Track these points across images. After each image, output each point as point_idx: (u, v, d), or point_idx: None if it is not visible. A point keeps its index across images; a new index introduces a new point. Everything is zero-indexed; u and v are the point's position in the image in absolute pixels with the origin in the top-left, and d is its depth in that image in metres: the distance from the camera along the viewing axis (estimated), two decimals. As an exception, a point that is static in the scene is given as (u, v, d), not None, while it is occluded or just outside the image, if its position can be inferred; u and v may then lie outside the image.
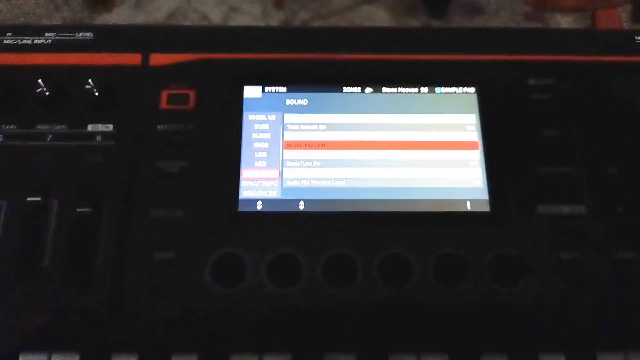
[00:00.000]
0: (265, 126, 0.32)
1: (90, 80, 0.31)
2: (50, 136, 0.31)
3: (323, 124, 0.32)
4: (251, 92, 0.33)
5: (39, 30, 0.33)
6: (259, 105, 0.33)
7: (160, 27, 0.40)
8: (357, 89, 0.33)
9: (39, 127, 0.31)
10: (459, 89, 0.33)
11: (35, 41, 0.33)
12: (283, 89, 0.33)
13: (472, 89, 0.33)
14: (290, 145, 0.32)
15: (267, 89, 0.33)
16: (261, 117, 0.32)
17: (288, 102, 0.33)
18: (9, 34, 0.33)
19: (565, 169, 0.31)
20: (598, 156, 0.31)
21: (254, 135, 0.32)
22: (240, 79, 0.33)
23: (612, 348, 0.28)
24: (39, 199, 0.29)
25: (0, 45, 0.33)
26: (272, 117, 0.32)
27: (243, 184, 0.31)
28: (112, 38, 0.34)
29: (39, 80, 0.31)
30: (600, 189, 0.30)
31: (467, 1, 1.46)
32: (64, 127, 0.31)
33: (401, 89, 0.33)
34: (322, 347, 0.29)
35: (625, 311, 0.28)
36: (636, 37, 0.34)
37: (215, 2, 1.50)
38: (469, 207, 0.31)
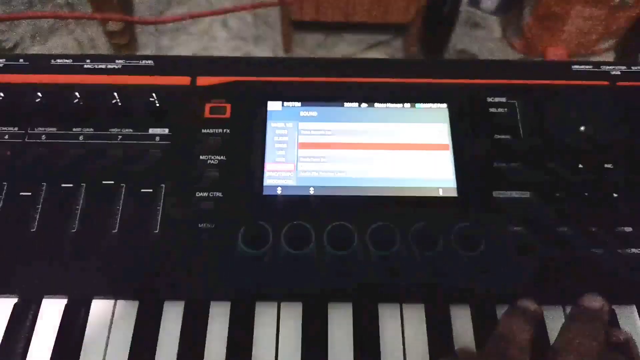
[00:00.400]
0: (284, 131, 0.42)
1: (153, 95, 0.40)
2: (120, 137, 0.41)
3: (329, 130, 0.42)
4: (273, 106, 0.43)
5: (111, 58, 0.44)
6: (279, 116, 0.42)
7: (204, 58, 0.50)
8: (356, 104, 0.43)
9: (111, 130, 0.41)
10: (434, 105, 0.43)
11: (109, 66, 0.43)
12: (298, 104, 0.43)
13: (444, 105, 0.43)
14: (303, 145, 0.41)
15: (285, 103, 0.43)
16: (281, 124, 0.42)
17: (302, 113, 0.42)
18: (87, 60, 0.43)
19: (515, 164, 0.40)
20: (540, 154, 0.40)
21: (275, 138, 0.41)
22: (265, 96, 0.43)
23: (549, 297, 0.36)
24: (112, 182, 0.39)
25: (81, 69, 0.43)
26: (290, 125, 0.42)
27: (267, 174, 0.40)
28: (168, 65, 0.44)
29: (115, 94, 0.40)
30: (541, 179, 0.39)
31: (460, 49, 1.59)
32: (130, 130, 0.41)
33: (389, 105, 0.43)
34: (326, 297, 0.37)
35: (561, 270, 0.37)
36: (572, 67, 0.44)
37: (231, 48, 1.64)
38: (441, 193, 0.40)
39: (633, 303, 0.37)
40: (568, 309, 0.36)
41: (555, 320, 0.36)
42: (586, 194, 0.39)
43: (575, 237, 0.37)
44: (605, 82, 0.43)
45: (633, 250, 0.37)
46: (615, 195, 0.39)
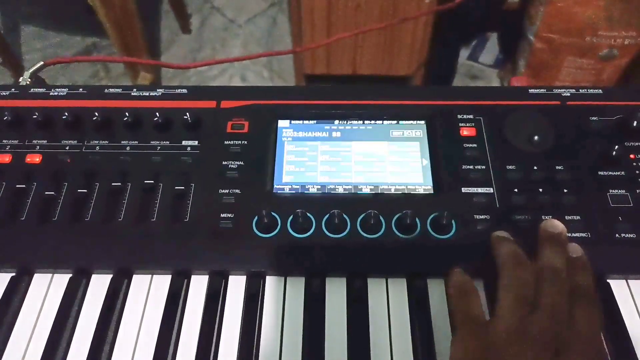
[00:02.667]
0: (292, 143, 0.51)
1: (186, 114, 0.50)
2: (159, 147, 0.50)
3: (326, 139, 0.51)
4: (283, 123, 0.52)
5: (153, 88, 0.54)
6: (287, 131, 0.52)
7: (227, 87, 0.60)
8: (350, 121, 0.52)
9: (152, 142, 0.51)
10: (414, 122, 0.52)
11: (151, 93, 0.54)
12: (303, 122, 0.52)
13: (422, 122, 0.52)
14: (307, 154, 0.50)
15: (293, 121, 0.52)
16: (289, 138, 0.51)
17: (306, 129, 0.52)
18: (134, 89, 0.54)
19: (480, 167, 0.48)
20: (500, 158, 0.49)
21: (285, 148, 0.51)
22: (276, 115, 0.53)
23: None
24: (152, 181, 0.48)
25: (129, 95, 0.54)
26: (296, 137, 0.51)
27: (276, 175, 0.49)
28: (198, 92, 0.54)
29: (156, 114, 0.50)
30: (502, 178, 0.48)
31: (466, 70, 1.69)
32: (167, 142, 0.50)
33: (377, 121, 0.52)
34: (324, 271, 0.45)
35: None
36: (529, 90, 0.53)
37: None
38: (420, 191, 0.48)
39: (582, 278, 0.44)
40: (527, 283, 0.44)
41: (516, 292, 0.43)
42: (540, 189, 0.47)
43: (531, 223, 0.45)
44: (557, 102, 0.52)
45: (580, 234, 0.45)
46: (565, 190, 0.47)
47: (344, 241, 0.45)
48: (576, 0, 1.37)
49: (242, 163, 0.49)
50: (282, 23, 2.08)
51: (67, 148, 0.50)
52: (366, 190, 0.48)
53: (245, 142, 0.50)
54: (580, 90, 0.53)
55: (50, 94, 0.54)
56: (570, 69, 1.56)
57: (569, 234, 0.44)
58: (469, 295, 0.40)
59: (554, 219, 0.43)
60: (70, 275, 0.45)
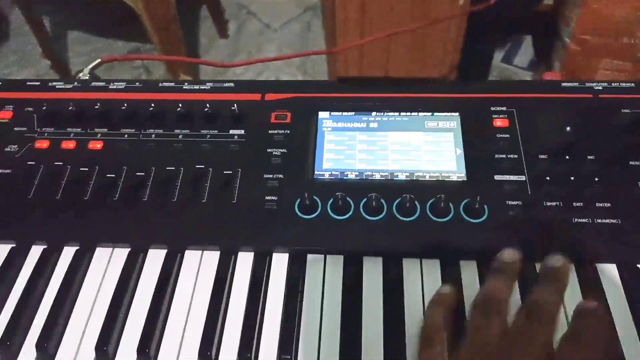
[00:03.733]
0: (331, 133, 0.54)
1: (234, 106, 0.54)
2: (209, 136, 0.54)
3: (364, 129, 0.54)
4: (323, 114, 0.55)
5: (203, 82, 0.58)
6: (327, 122, 0.55)
7: (271, 81, 0.64)
8: (388, 113, 0.55)
9: (202, 131, 0.55)
10: (448, 114, 0.54)
11: (202, 87, 0.58)
12: (342, 113, 0.55)
13: (456, 113, 0.54)
14: (346, 142, 0.53)
15: (332, 113, 0.56)
16: (328, 127, 0.55)
17: (345, 120, 0.55)
18: (186, 83, 0.58)
19: (512, 155, 0.50)
20: (533, 148, 0.50)
21: (324, 137, 0.54)
22: (317, 107, 0.56)
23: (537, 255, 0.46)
24: (203, 166, 0.52)
25: (181, 89, 0.58)
26: (335, 128, 0.54)
27: (317, 162, 0.52)
28: (244, 86, 0.58)
29: (207, 105, 0.54)
30: (534, 167, 0.50)
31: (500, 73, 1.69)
32: (216, 131, 0.54)
33: (413, 113, 0.55)
34: (362, 251, 0.48)
35: (546, 231, 0.46)
36: (562, 84, 0.55)
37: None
38: (454, 178, 0.50)
39: (613, 262, 0.46)
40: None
41: (546, 275, 0.45)
42: (572, 178, 0.49)
43: (562, 209, 0.47)
44: (589, 95, 0.54)
45: (611, 220, 0.46)
46: (596, 179, 0.48)
47: (381, 223, 0.48)
48: (612, 1, 1.37)
49: (285, 150, 0.53)
50: (316, 27, 2.12)
51: (126, 136, 0.55)
52: (402, 177, 0.51)
53: (288, 132, 0.54)
54: (613, 84, 0.54)
55: (110, 87, 0.59)
56: (606, 71, 1.55)
57: (600, 220, 0.46)
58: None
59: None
60: (129, 250, 0.49)
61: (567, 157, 0.50)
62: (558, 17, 1.54)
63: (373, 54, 1.57)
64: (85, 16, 2.16)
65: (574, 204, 0.47)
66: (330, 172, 0.52)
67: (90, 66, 0.65)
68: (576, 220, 0.47)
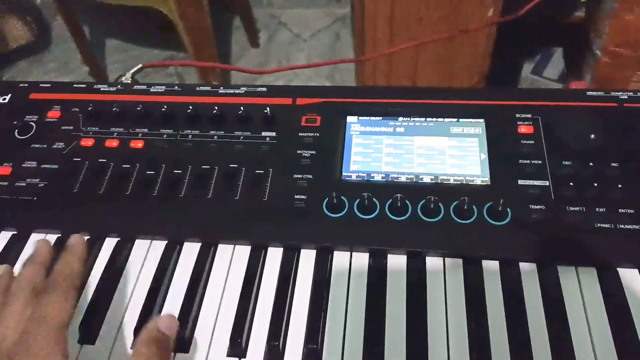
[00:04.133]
0: (359, 136, 0.56)
1: (267, 109, 0.57)
2: (242, 137, 0.57)
3: (390, 133, 0.56)
4: (351, 119, 0.58)
5: (237, 87, 0.61)
6: (355, 126, 0.57)
7: (302, 86, 0.66)
8: (415, 118, 0.57)
9: (236, 132, 0.57)
10: (474, 120, 0.56)
11: (236, 91, 0.61)
12: (369, 118, 0.58)
13: (481, 119, 0.56)
14: (373, 146, 0.55)
15: (360, 117, 0.58)
16: (356, 131, 0.57)
17: (372, 124, 0.57)
18: (221, 87, 0.62)
19: (536, 161, 0.51)
20: (557, 154, 0.52)
21: (352, 140, 0.56)
22: (345, 112, 0.58)
23: (560, 259, 0.47)
24: (236, 165, 0.55)
25: (217, 93, 0.61)
26: (363, 131, 0.57)
27: (344, 164, 0.54)
28: (276, 91, 0.61)
29: (241, 108, 0.57)
30: (559, 172, 0.51)
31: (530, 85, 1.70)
32: (249, 132, 0.57)
33: (439, 119, 0.56)
34: (386, 249, 0.49)
35: (568, 235, 0.47)
36: (587, 92, 0.56)
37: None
38: (478, 182, 0.52)
39: (636, 267, 0.46)
40: (579, 270, 0.47)
41: (568, 278, 0.46)
42: (595, 184, 0.49)
43: (585, 214, 0.48)
44: (614, 104, 0.55)
45: (634, 226, 0.47)
46: (619, 185, 0.49)
47: (405, 223, 0.50)
48: (645, 13, 1.35)
49: (314, 152, 0.55)
50: (345, 38, 2.16)
51: (165, 136, 0.58)
52: (426, 179, 0.53)
53: (317, 135, 0.56)
54: (638, 93, 0.55)
55: (151, 90, 0.62)
56: (638, 84, 1.53)
57: (622, 226, 0.47)
58: None
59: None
60: (166, 242, 0.52)
61: (591, 163, 0.51)
62: (589, 29, 1.53)
63: (401, 64, 1.59)
64: (123, 25, 2.24)
65: (597, 209, 0.48)
66: (357, 174, 0.54)
67: (132, 71, 0.69)
68: (599, 225, 0.47)
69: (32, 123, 0.61)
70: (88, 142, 0.58)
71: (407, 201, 0.50)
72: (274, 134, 0.57)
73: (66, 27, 1.91)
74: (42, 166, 0.57)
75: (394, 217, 0.50)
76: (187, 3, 1.55)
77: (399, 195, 0.50)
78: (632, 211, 0.48)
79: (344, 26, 2.21)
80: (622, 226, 0.47)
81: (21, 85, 0.65)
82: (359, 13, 1.53)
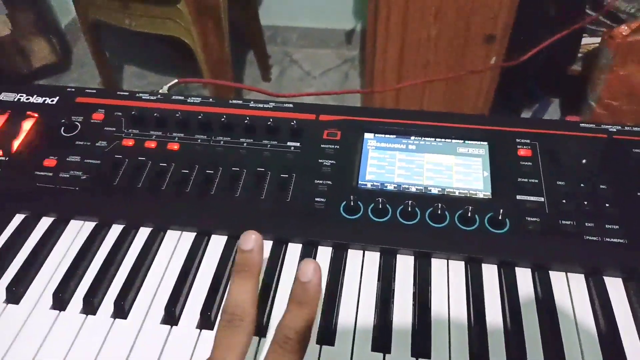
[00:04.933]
0: (375, 151, 0.63)
1: (293, 122, 0.63)
2: (269, 145, 0.63)
3: (403, 150, 0.62)
4: (369, 135, 0.64)
5: (266, 102, 0.68)
6: (372, 142, 0.64)
7: (326, 105, 0.72)
8: (425, 138, 0.63)
9: (264, 141, 0.64)
10: (478, 142, 0.62)
11: (265, 105, 0.68)
12: (384, 135, 0.64)
13: (485, 142, 0.62)
14: (387, 160, 0.62)
15: (376, 134, 0.64)
16: (373, 147, 0.63)
17: (387, 141, 0.63)
18: (252, 101, 0.68)
19: (533, 180, 0.58)
20: (552, 175, 0.58)
21: (369, 154, 0.62)
22: (363, 129, 0.65)
23: (553, 264, 0.52)
24: (263, 169, 0.61)
25: (248, 107, 0.68)
26: (379, 147, 0.63)
27: (361, 173, 0.60)
28: (302, 107, 0.67)
29: (270, 119, 0.64)
30: (552, 190, 0.57)
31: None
32: (275, 142, 0.63)
33: (446, 140, 0.63)
34: (396, 249, 0.55)
35: (560, 244, 0.52)
36: (580, 124, 0.63)
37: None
38: (480, 195, 0.58)
39: (620, 276, 0.52)
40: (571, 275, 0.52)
41: (559, 282, 0.52)
42: (585, 202, 0.55)
43: (575, 227, 0.53)
44: (604, 135, 0.61)
45: (619, 240, 0.53)
46: (607, 204, 0.55)
47: (414, 227, 0.55)
48: (639, 68, 1.45)
49: (334, 162, 0.61)
50: (353, 78, 2.26)
51: (199, 141, 0.64)
52: (434, 191, 0.58)
53: (337, 147, 0.62)
54: (626, 127, 0.62)
55: (188, 100, 0.69)
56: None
57: (609, 239, 0.52)
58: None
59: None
60: (195, 234, 0.58)
61: (581, 184, 0.57)
62: (585, 82, 1.62)
63: (407, 103, 1.68)
64: (144, 53, 2.35)
65: (586, 224, 0.54)
66: (372, 183, 0.60)
67: (170, 84, 0.76)
68: (587, 237, 0.53)
69: (77, 123, 0.67)
70: (129, 142, 0.64)
71: (416, 208, 0.56)
72: (298, 144, 0.63)
73: (89, 50, 2.01)
74: (85, 161, 0.63)
75: (404, 222, 0.55)
76: (210, 35, 1.65)
77: (410, 201, 0.55)
78: (617, 227, 0.53)
79: (353, 67, 2.32)
80: (608, 239, 0.53)
81: (69, 89, 0.72)
82: (370, 56, 1.63)
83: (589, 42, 1.72)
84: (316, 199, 0.58)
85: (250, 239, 0.41)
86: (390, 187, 0.59)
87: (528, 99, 1.92)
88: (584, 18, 1.62)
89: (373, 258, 0.55)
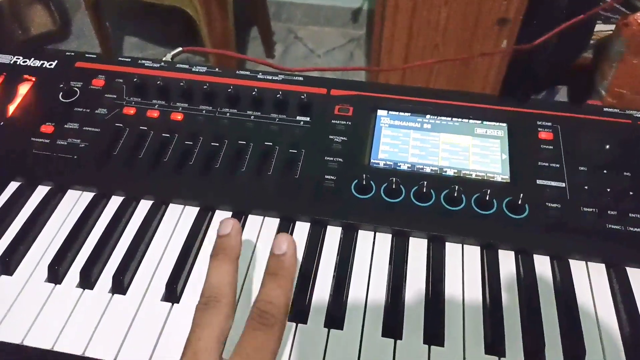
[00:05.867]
0: (388, 128, 0.60)
1: (303, 95, 0.60)
2: (278, 119, 0.60)
3: (418, 129, 0.59)
4: (382, 112, 0.61)
5: (275, 73, 0.65)
6: (385, 119, 0.61)
7: (337, 79, 0.69)
8: (443, 118, 0.61)
9: (272, 115, 0.61)
10: (497, 123, 0.60)
11: (274, 77, 0.64)
12: (398, 113, 0.61)
13: (504, 124, 0.59)
14: (400, 138, 0.59)
15: (390, 112, 0.61)
16: (386, 124, 0.60)
17: (401, 118, 0.61)
18: (260, 73, 0.65)
19: (555, 164, 0.55)
20: (574, 160, 0.55)
21: (381, 132, 0.59)
22: (377, 105, 0.62)
23: (573, 253, 0.50)
24: (271, 144, 0.58)
25: (256, 78, 0.65)
26: (392, 124, 0.60)
27: (373, 151, 0.58)
28: (312, 80, 0.64)
29: (280, 92, 0.61)
30: (574, 176, 0.54)
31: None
32: (285, 116, 0.60)
33: (464, 120, 0.60)
34: (409, 232, 0.52)
35: (581, 232, 0.50)
36: (604, 109, 0.60)
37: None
38: (498, 179, 0.55)
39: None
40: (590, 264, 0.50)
41: (579, 271, 0.49)
42: (608, 189, 0.53)
43: (597, 215, 0.51)
44: (629, 121, 0.59)
45: (642, 230, 0.50)
46: (630, 192, 0.53)
47: (428, 209, 0.53)
48: (651, 57, 1.42)
49: (345, 139, 0.58)
50: (359, 57, 2.22)
51: (204, 112, 0.61)
52: (450, 172, 0.56)
53: (349, 123, 0.60)
54: (651, 113, 0.59)
55: (192, 69, 0.66)
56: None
57: (632, 229, 0.50)
58: None
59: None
60: (198, 209, 0.55)
61: (605, 171, 0.54)
62: (596, 70, 1.59)
63: (414, 84, 1.64)
64: (146, 24, 2.29)
65: (609, 212, 0.51)
66: (384, 162, 0.57)
67: (173, 52, 0.73)
68: (609, 226, 0.51)
69: (76, 89, 0.64)
70: (130, 111, 0.61)
71: (431, 189, 0.53)
72: (307, 119, 0.60)
73: (89, 19, 1.96)
74: (84, 128, 0.60)
75: (418, 203, 0.53)
76: (213, 7, 1.60)
77: (424, 182, 0.53)
78: (640, 216, 0.51)
79: (358, 46, 2.27)
80: (631, 229, 0.50)
81: (67, 53, 0.69)
82: (377, 36, 1.59)
83: (602, 29, 1.68)
84: (326, 177, 0.55)
85: (227, 224, 0.41)
86: (404, 167, 0.57)
87: (536, 86, 1.88)
88: (598, 4, 1.58)
89: (385, 240, 0.52)
